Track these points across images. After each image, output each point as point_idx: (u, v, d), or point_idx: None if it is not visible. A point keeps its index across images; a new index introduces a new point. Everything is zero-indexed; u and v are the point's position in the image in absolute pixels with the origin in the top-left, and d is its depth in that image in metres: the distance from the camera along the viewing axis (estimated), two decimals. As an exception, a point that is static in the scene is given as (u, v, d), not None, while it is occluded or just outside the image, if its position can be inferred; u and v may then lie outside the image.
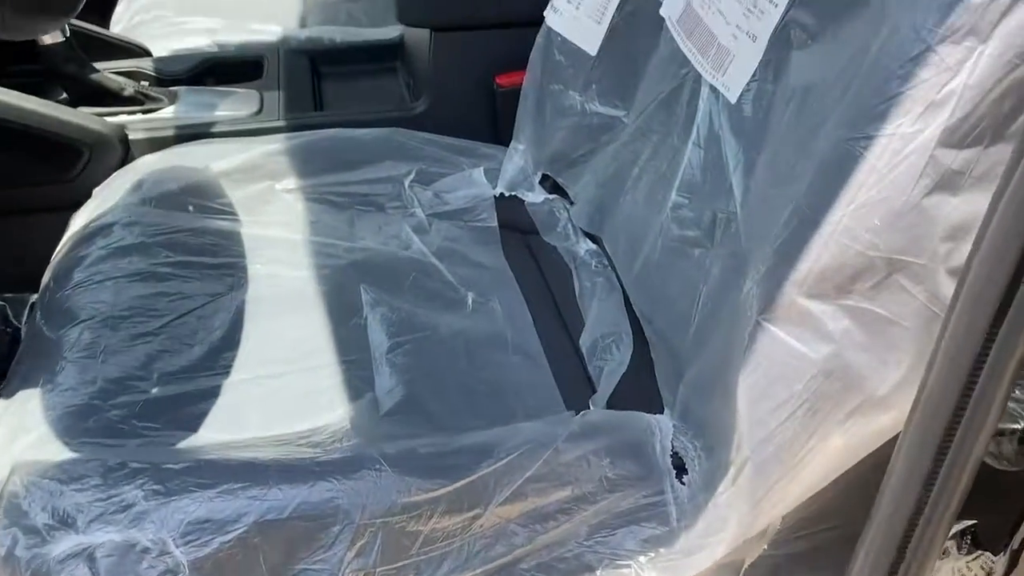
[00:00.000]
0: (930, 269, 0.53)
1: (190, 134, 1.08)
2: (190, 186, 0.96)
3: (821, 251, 0.55)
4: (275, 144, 1.02)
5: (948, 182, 0.52)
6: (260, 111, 1.13)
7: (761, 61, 0.77)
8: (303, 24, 1.49)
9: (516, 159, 1.10)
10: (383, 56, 1.33)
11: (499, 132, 1.12)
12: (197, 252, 0.87)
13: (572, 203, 1.06)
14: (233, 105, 1.13)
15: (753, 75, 0.78)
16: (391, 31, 1.37)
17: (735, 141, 0.78)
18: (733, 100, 0.79)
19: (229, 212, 0.94)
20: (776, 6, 0.76)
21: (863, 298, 0.55)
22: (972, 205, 0.52)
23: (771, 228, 0.66)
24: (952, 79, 0.49)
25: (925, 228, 0.52)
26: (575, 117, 1.03)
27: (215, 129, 1.10)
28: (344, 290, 0.87)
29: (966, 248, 0.54)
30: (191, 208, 0.93)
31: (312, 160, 1.02)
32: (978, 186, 0.52)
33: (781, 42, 0.75)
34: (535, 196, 1.09)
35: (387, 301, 0.86)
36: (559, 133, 1.06)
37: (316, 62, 1.31)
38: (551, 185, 1.10)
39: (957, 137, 0.51)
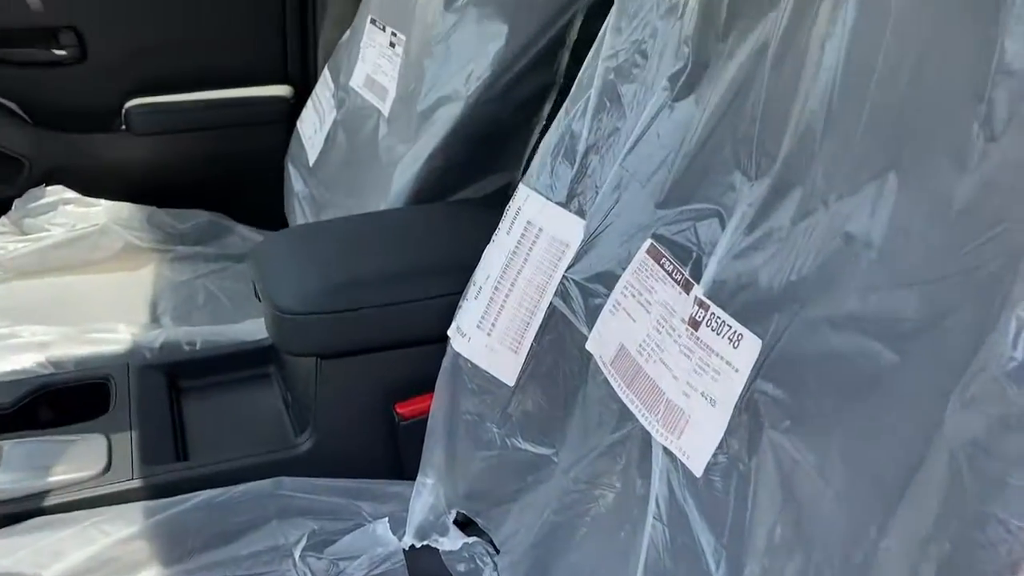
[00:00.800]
0: None
1: (16, 512, 0.87)
2: (16, 607, 0.75)
3: None
4: (130, 527, 0.82)
5: None
6: (108, 468, 0.93)
7: (730, 428, 0.66)
8: (155, 318, 1.32)
9: (425, 496, 0.94)
10: (254, 361, 1.17)
11: (403, 467, 0.97)
12: None
13: (496, 550, 0.90)
14: (74, 462, 0.92)
15: (720, 445, 0.67)
16: (260, 326, 1.21)
17: (709, 528, 0.66)
18: (697, 473, 0.68)
19: (71, 643, 0.73)
20: (736, 371, 0.66)
21: None
22: None
23: None
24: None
25: None
26: (494, 451, 0.90)
27: (51, 502, 0.88)
28: None
29: None
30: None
31: (178, 540, 0.83)
32: None
33: (751, 414, 0.65)
34: (451, 542, 0.93)
35: None
36: (476, 467, 0.91)
37: (174, 376, 1.13)
38: (465, 517, 0.95)
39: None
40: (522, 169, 1.23)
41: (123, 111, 1.63)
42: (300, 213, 1.55)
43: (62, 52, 1.59)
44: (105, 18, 1.60)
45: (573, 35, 1.15)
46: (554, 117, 1.19)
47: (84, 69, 1.61)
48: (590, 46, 1.16)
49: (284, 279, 0.96)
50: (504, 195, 1.24)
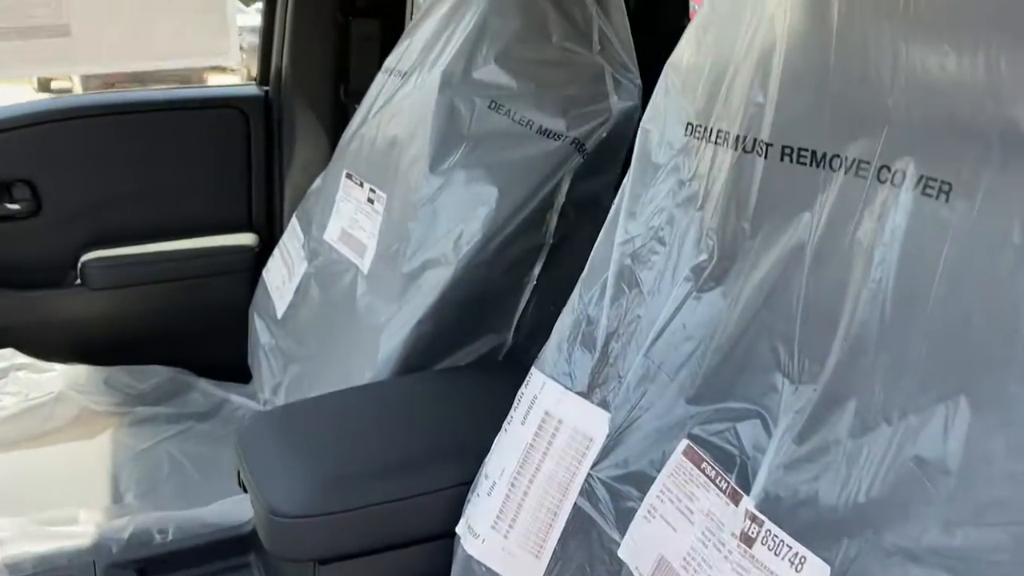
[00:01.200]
0: None
1: None
2: None
3: None
4: None
5: None
6: None
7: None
8: (118, 497, 1.22)
9: None
10: (232, 551, 1.08)
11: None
12: None
13: None
14: None
15: None
16: (240, 509, 1.13)
17: None
18: None
19: None
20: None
21: None
22: None
23: None
24: None
25: None
26: (516, 661, 0.83)
27: None
28: None
29: None
30: None
31: None
32: None
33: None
34: None
35: None
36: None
37: (145, 571, 1.04)
38: None
39: None
40: (512, 330, 1.20)
41: (78, 265, 1.55)
42: (266, 365, 1.48)
43: (15, 206, 1.52)
44: (61, 170, 1.54)
45: (561, 198, 1.15)
46: (544, 277, 1.18)
47: (38, 222, 1.54)
48: (578, 207, 1.16)
49: (275, 475, 0.89)
50: (495, 357, 1.21)
